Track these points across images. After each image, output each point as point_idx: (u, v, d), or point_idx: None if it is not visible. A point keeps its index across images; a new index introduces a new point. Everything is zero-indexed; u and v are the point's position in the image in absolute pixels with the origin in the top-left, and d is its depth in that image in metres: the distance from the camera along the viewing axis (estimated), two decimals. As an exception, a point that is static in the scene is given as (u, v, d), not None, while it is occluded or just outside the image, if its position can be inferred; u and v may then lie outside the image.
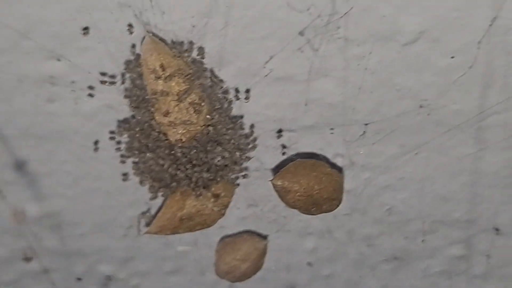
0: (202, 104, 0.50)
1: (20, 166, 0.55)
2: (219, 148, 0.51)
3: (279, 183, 0.52)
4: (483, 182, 0.58)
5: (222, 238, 0.59)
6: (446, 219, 0.60)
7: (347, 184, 0.57)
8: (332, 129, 0.54)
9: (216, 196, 0.53)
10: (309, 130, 0.54)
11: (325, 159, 0.55)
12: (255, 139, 0.54)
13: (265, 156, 0.55)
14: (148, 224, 0.57)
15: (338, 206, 0.54)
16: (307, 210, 0.54)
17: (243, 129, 0.53)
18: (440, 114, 0.54)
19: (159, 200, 0.56)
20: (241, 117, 0.53)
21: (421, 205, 0.59)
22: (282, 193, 0.53)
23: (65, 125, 0.54)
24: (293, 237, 0.60)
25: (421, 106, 0.54)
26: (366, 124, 0.54)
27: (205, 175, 0.52)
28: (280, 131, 0.54)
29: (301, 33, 0.49)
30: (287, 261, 0.62)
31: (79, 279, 0.63)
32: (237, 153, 0.52)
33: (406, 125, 0.55)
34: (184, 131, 0.50)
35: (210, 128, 0.51)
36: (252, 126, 0.53)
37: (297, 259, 0.62)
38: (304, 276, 0.63)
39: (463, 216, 0.60)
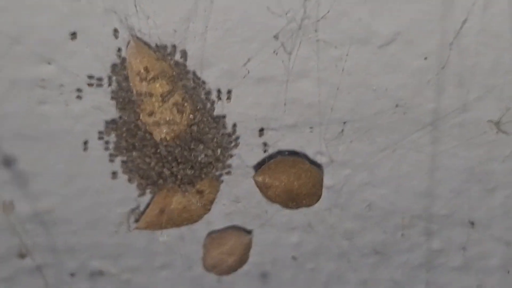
0: (185, 104, 0.52)
1: (13, 165, 0.57)
2: (202, 146, 0.54)
3: (260, 179, 0.55)
4: (458, 178, 0.60)
5: (209, 234, 0.61)
6: (423, 213, 0.62)
7: (328, 181, 0.59)
8: (311, 127, 0.56)
9: (201, 192, 0.55)
10: (289, 129, 0.57)
11: (305, 157, 0.57)
12: (237, 138, 0.56)
13: (247, 154, 0.57)
14: (137, 220, 0.59)
15: (317, 201, 0.57)
16: (287, 205, 0.56)
17: (225, 128, 0.55)
18: (416, 112, 0.56)
19: (147, 197, 0.59)
20: (224, 116, 0.55)
21: (400, 201, 0.61)
22: (263, 188, 0.55)
23: (56, 126, 0.56)
24: (277, 232, 0.62)
25: (397, 105, 0.56)
26: (344, 123, 0.56)
27: (189, 172, 0.54)
28: (261, 130, 0.56)
29: (275, 37, 0.51)
30: (272, 255, 0.64)
31: (72, 274, 0.64)
32: (220, 151, 0.55)
33: (383, 123, 0.57)
34: (168, 130, 0.52)
35: (194, 127, 0.53)
36: (234, 125, 0.56)
37: (282, 253, 0.64)
38: (289, 270, 0.65)
39: (440, 210, 0.62)
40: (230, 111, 0.55)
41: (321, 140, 0.57)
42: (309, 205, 0.56)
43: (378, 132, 0.57)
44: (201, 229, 0.62)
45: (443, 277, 0.65)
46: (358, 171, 0.59)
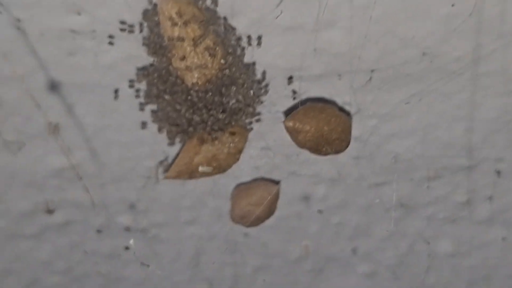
0: (217, 49, 0.52)
1: (58, 89, 0.57)
2: (234, 89, 0.54)
3: (290, 124, 0.55)
4: (484, 128, 0.60)
5: (237, 186, 0.62)
6: (449, 165, 0.62)
7: (355, 131, 0.59)
8: (339, 75, 0.57)
9: (233, 134, 0.56)
10: (318, 79, 0.57)
11: (333, 104, 0.58)
12: (267, 85, 0.56)
13: (276, 101, 0.58)
14: (166, 171, 0.60)
15: (346, 147, 0.57)
16: (317, 150, 0.56)
17: (255, 75, 0.56)
18: (442, 61, 0.57)
19: (176, 149, 0.59)
20: (253, 64, 0.56)
21: (426, 152, 0.62)
22: (293, 134, 0.56)
23: (85, 78, 0.56)
24: (304, 185, 0.63)
25: (423, 54, 0.56)
26: (372, 71, 0.57)
27: (220, 116, 0.55)
28: (290, 77, 0.57)
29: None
30: (299, 209, 0.64)
31: (98, 231, 0.65)
32: (251, 95, 0.55)
33: (410, 72, 0.57)
34: (200, 75, 0.53)
35: (225, 71, 0.53)
36: (263, 72, 0.56)
37: (308, 207, 0.64)
38: (315, 224, 0.65)
39: (466, 161, 0.62)
40: (259, 59, 0.56)
41: (349, 89, 0.57)
42: (338, 151, 0.57)
43: (404, 81, 0.57)
44: (229, 183, 0.62)
45: (468, 230, 0.66)
46: (384, 121, 0.60)
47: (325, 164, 0.61)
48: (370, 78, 0.57)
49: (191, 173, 0.57)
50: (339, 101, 0.58)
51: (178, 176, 0.57)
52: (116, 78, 0.56)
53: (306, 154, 0.58)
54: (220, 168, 0.57)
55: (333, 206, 0.64)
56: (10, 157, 0.60)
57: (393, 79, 0.57)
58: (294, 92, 0.57)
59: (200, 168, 0.56)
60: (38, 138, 0.59)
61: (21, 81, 0.55)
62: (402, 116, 0.59)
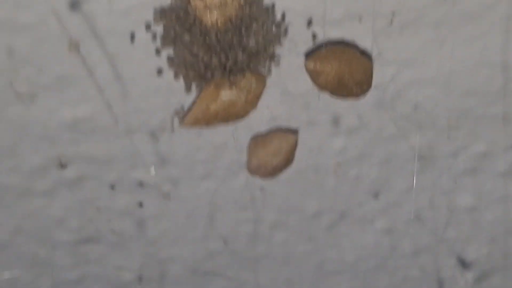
0: (236, -15, 0.51)
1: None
2: (254, 28, 0.53)
3: (311, 65, 0.54)
4: (507, 74, 0.59)
5: (254, 136, 0.60)
6: (471, 114, 0.61)
7: (374, 79, 0.58)
8: (360, 18, 0.56)
9: (253, 73, 0.54)
10: (338, 22, 0.56)
11: (354, 47, 0.57)
12: (286, 27, 0.55)
13: (296, 44, 0.57)
14: (182, 119, 0.59)
15: (367, 90, 0.56)
16: (338, 92, 0.55)
17: (274, 17, 0.55)
18: (465, 4, 0.56)
19: (191, 97, 0.58)
20: (273, 6, 0.54)
21: (447, 100, 0.61)
22: (314, 75, 0.54)
23: (99, 26, 0.55)
24: (322, 137, 0.62)
25: (446, -4, 0.55)
26: (393, 14, 0.56)
27: (240, 57, 0.53)
28: (310, 21, 0.56)
29: None
30: (316, 162, 0.63)
31: (112, 187, 0.64)
32: (271, 36, 0.54)
33: (432, 16, 0.56)
34: (219, 14, 0.52)
35: (246, 9, 0.52)
36: (283, 14, 0.55)
37: (326, 160, 0.63)
38: (331, 178, 0.64)
39: (487, 109, 0.61)
40: (278, 1, 0.55)
41: (369, 33, 0.56)
42: (359, 94, 0.56)
43: (426, 26, 0.56)
44: (245, 135, 0.61)
45: (488, 182, 0.65)
46: (405, 68, 0.58)
47: (344, 111, 0.60)
48: (391, 22, 0.56)
49: (208, 121, 0.56)
50: (360, 44, 0.57)
51: (195, 123, 0.56)
52: (130, 25, 0.55)
53: (326, 99, 0.57)
54: (238, 115, 0.56)
55: (351, 159, 0.63)
56: (22, 109, 0.58)
57: (415, 23, 0.56)
58: (314, 36, 0.56)
59: (224, 98, 0.55)
60: (51, 90, 0.58)
61: (33, 29, 0.54)
62: (423, 62, 0.58)
